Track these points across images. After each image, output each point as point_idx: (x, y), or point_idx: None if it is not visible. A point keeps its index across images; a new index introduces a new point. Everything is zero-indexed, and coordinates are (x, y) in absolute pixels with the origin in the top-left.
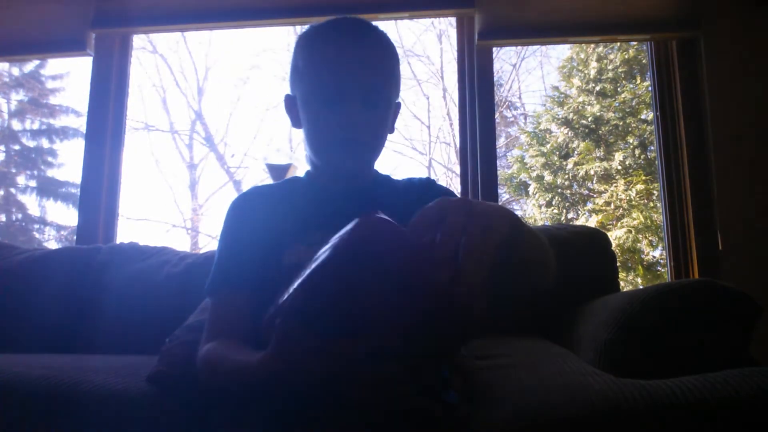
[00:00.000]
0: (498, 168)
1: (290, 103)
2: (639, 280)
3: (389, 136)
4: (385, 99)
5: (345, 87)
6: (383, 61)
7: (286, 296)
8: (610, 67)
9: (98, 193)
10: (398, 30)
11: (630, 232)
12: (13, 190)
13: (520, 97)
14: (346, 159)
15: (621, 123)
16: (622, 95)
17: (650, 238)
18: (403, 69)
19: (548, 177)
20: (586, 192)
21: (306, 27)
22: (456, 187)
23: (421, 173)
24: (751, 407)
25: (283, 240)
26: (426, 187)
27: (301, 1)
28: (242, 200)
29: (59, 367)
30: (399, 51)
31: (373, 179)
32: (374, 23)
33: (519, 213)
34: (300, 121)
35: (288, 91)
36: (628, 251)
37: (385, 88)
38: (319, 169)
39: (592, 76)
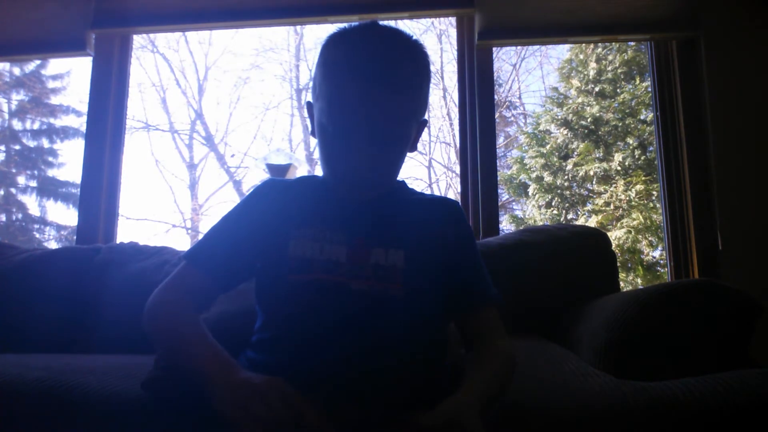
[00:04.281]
0: (498, 168)
1: (310, 110)
2: (639, 281)
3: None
4: (401, 132)
5: (356, 126)
6: (403, 95)
7: None
8: (609, 68)
9: (98, 193)
10: None
11: (630, 232)
12: (13, 190)
13: (519, 97)
14: (353, 188)
15: (620, 124)
16: (621, 96)
17: (650, 239)
18: None
19: (548, 178)
20: (586, 192)
21: (335, 29)
22: (456, 187)
23: (422, 173)
24: (751, 409)
25: (290, 230)
26: (452, 212)
27: (301, 0)
28: (259, 190)
29: (57, 368)
30: None
31: (391, 189)
32: (419, 41)
33: (519, 213)
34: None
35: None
36: (628, 251)
37: (400, 123)
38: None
39: (591, 77)
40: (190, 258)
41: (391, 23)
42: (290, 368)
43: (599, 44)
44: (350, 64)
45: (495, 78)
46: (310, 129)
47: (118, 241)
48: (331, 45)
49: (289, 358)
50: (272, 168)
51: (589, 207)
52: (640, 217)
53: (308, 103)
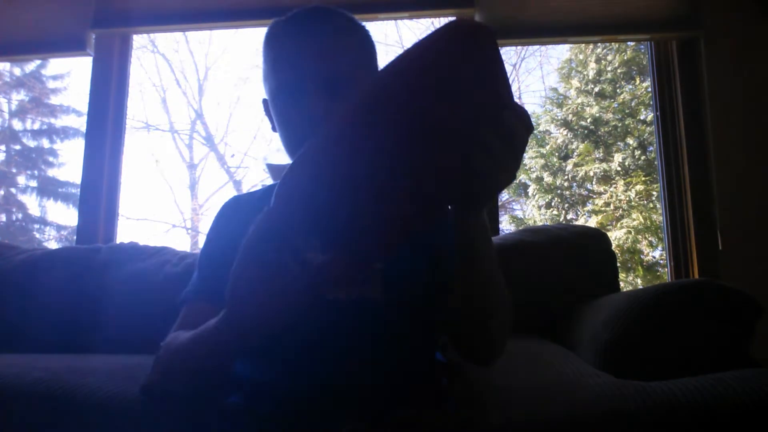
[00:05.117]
0: None
1: (266, 106)
2: (639, 281)
3: None
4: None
5: (304, 79)
6: (349, 48)
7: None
8: (608, 68)
9: (98, 193)
10: (398, 30)
11: (630, 232)
12: (13, 190)
13: (519, 97)
14: None
15: (620, 124)
16: (621, 96)
17: (650, 239)
18: None
19: (548, 178)
20: (586, 193)
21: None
22: None
23: None
24: (751, 410)
25: None
26: None
27: (301, 1)
28: (223, 210)
29: (57, 369)
30: (398, 51)
31: None
32: (355, 17)
33: (518, 214)
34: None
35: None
36: (628, 252)
37: (353, 76)
38: None
39: (590, 77)
40: (185, 300)
41: (391, 23)
42: (274, 384)
43: (599, 44)
44: (295, 21)
45: None
46: (271, 126)
47: (118, 241)
48: (269, 33)
49: (273, 374)
50: (272, 168)
51: (589, 207)
52: (640, 217)
53: (264, 101)
